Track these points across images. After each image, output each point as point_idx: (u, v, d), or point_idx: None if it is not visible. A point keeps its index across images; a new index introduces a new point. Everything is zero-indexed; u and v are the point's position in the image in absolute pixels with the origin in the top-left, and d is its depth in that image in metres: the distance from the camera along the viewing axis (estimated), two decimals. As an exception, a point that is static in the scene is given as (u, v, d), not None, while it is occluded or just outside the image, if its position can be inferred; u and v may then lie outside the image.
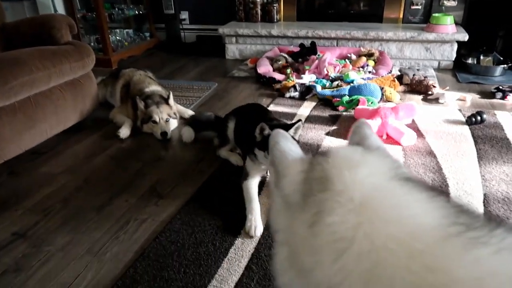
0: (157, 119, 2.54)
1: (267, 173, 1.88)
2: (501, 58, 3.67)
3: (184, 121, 2.70)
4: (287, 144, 0.82)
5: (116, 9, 4.63)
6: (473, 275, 0.45)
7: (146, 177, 2.12)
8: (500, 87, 3.09)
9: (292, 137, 1.78)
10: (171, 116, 2.62)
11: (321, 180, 0.64)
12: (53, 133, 2.44)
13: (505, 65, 3.55)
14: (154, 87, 2.77)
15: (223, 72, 4.04)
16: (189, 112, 2.86)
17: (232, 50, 4.45)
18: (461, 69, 3.71)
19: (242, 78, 3.75)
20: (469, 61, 3.73)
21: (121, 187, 2.04)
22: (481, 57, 3.71)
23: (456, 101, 2.99)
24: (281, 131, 0.81)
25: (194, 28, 5.18)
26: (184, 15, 5.15)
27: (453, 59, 3.81)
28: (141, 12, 4.97)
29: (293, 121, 1.83)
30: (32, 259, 1.55)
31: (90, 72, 2.74)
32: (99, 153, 2.42)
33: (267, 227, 1.66)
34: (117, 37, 4.66)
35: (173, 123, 2.66)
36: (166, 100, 2.66)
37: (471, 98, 3.03)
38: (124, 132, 2.58)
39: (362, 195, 0.58)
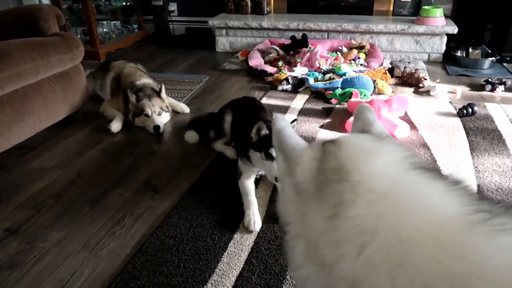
0: (149, 113, 2.50)
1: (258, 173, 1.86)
2: (489, 51, 3.71)
3: (186, 125, 2.58)
4: (293, 131, 0.81)
5: (103, 0, 4.53)
6: (502, 263, 0.44)
7: (140, 171, 2.09)
8: (489, 80, 3.13)
9: None
10: (163, 109, 2.58)
11: (336, 171, 0.63)
12: (42, 127, 2.39)
13: (493, 58, 3.60)
14: (145, 80, 2.73)
15: (213, 65, 3.99)
16: (181, 106, 2.83)
17: (223, 42, 4.40)
18: (450, 62, 3.74)
19: (233, 71, 3.71)
20: (458, 54, 3.77)
21: (115, 181, 2.00)
22: (470, 50, 3.75)
23: (447, 94, 3.02)
24: (283, 116, 0.80)
25: (183, 20, 5.11)
26: (173, 6, 5.07)
27: (443, 52, 3.84)
28: (128, 3, 4.87)
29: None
30: (26, 256, 1.52)
31: (79, 64, 2.68)
32: (91, 147, 2.37)
33: (265, 221, 1.65)
34: (104, 29, 4.57)
35: (166, 117, 2.62)
36: (158, 93, 2.62)
37: (461, 90, 3.06)
38: (116, 125, 2.54)
39: (382, 186, 0.57)
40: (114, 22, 4.82)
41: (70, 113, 2.63)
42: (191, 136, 2.39)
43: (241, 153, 1.86)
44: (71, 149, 2.37)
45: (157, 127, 2.46)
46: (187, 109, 2.81)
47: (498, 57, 3.62)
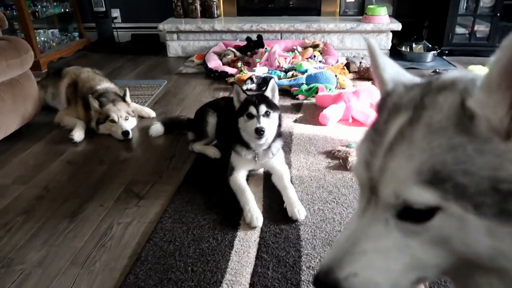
0: (116, 118, 2.34)
1: (255, 161, 1.81)
2: (430, 45, 3.99)
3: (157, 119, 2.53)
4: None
5: (39, 6, 4.19)
6: None
7: (115, 180, 1.93)
8: (437, 70, 3.36)
9: (271, 100, 1.76)
10: (129, 114, 2.43)
11: None
12: (-7, 141, 2.13)
13: (435, 52, 3.87)
14: (106, 84, 2.55)
15: (167, 69, 3.87)
16: (146, 110, 2.68)
17: (174, 47, 4.28)
18: (396, 57, 3.96)
19: (191, 75, 3.62)
20: (403, 49, 4.00)
21: (89, 191, 1.83)
22: (414, 45, 4.00)
23: (402, 85, 3.18)
24: None
25: (128, 26, 4.90)
26: (116, 13, 4.85)
27: (389, 48, 4.06)
28: (67, 10, 4.56)
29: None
30: (5, 282, 1.32)
31: (29, 71, 2.45)
32: (53, 159, 2.15)
33: (265, 216, 1.60)
34: (42, 38, 4.23)
35: (132, 122, 2.47)
36: (122, 98, 2.46)
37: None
38: (78, 134, 2.34)
39: None
40: (51, 30, 4.47)
41: (21, 125, 2.38)
42: (156, 128, 2.36)
43: (234, 144, 1.81)
44: (29, 163, 2.13)
45: (126, 133, 2.30)
46: (153, 114, 2.67)
47: (438, 51, 3.90)
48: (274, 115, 1.75)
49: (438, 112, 0.48)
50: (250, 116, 1.72)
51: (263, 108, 1.71)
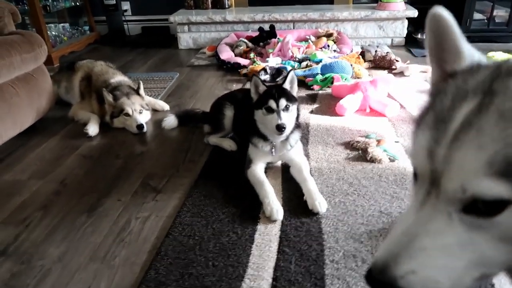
0: (130, 112, 2.32)
1: (272, 153, 1.77)
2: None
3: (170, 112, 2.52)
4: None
5: (50, 0, 4.18)
6: None
7: (132, 174, 1.92)
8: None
9: (290, 92, 1.72)
10: (143, 107, 2.40)
11: None
12: (9, 136, 2.14)
13: (452, 38, 3.76)
14: (120, 78, 2.53)
15: (179, 62, 3.84)
16: (159, 103, 2.66)
17: (185, 39, 4.24)
18: (413, 45, 3.87)
19: (203, 67, 3.58)
20: (419, 36, 3.90)
21: (107, 186, 1.82)
22: (425, 44, 3.89)
23: (420, 73, 3.10)
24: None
25: (138, 19, 4.88)
26: (126, 5, 4.82)
27: (405, 36, 3.97)
28: (77, 3, 4.55)
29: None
30: (25, 278, 1.31)
31: (42, 65, 2.44)
32: (69, 153, 2.15)
33: (285, 209, 1.56)
34: (53, 32, 4.23)
35: (147, 115, 2.44)
36: (136, 91, 2.43)
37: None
38: (93, 129, 2.32)
39: None
40: (62, 24, 4.47)
41: (36, 120, 2.37)
42: (171, 121, 2.33)
43: (251, 136, 1.77)
44: (45, 158, 2.13)
45: (140, 126, 2.28)
46: (166, 106, 2.65)
47: (455, 38, 3.79)
48: (293, 108, 1.71)
49: (510, 98, 0.44)
50: (270, 110, 1.67)
51: (283, 102, 1.66)
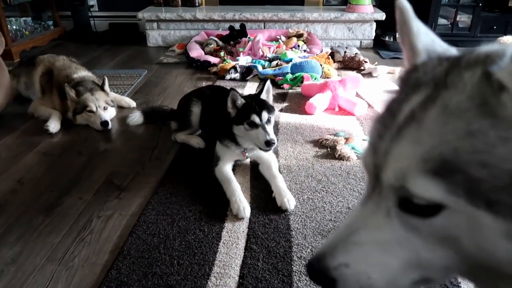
0: (94, 108, 2.23)
1: (246, 155, 1.75)
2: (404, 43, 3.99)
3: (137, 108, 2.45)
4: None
5: (11, -8, 3.99)
6: None
7: (95, 171, 1.84)
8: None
9: (268, 103, 1.69)
10: (108, 103, 2.32)
11: None
12: (-39, 133, 2.00)
13: (418, 42, 3.87)
14: (83, 73, 2.43)
15: (148, 59, 3.75)
16: (126, 100, 2.58)
17: (154, 36, 4.15)
18: (380, 47, 3.96)
19: (172, 64, 3.51)
20: (387, 39, 3.99)
21: (67, 184, 1.73)
22: (397, 35, 3.98)
23: (387, 74, 3.17)
24: None
25: (105, 15, 4.74)
26: (92, 1, 4.68)
27: (373, 38, 4.05)
28: (41, -3, 4.37)
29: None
30: (-26, 280, 1.22)
31: (0, 58, 2.31)
32: (27, 151, 2.04)
33: (253, 206, 1.54)
34: (14, 26, 4.04)
35: (112, 112, 2.36)
36: (100, 87, 2.35)
37: (399, 70, 3.24)
38: (54, 125, 2.22)
39: None
40: (24, 18, 4.28)
41: (-8, 116, 2.25)
42: (136, 117, 2.26)
43: (222, 137, 1.73)
44: (1, 155, 2.01)
45: (105, 123, 2.20)
46: (133, 103, 2.57)
47: (421, 41, 3.90)
48: (273, 119, 1.69)
49: (460, 91, 0.41)
50: (253, 125, 1.61)
51: (265, 115, 1.62)
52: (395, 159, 0.43)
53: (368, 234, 0.46)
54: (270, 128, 1.63)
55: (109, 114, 2.31)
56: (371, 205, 0.47)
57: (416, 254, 0.44)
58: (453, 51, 0.52)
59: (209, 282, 1.19)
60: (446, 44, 0.55)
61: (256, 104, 1.63)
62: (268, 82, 1.73)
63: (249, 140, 1.66)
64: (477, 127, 0.38)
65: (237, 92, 1.66)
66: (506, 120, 0.38)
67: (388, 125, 0.45)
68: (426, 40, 0.52)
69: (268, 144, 1.58)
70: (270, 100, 1.74)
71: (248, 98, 1.70)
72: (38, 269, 1.26)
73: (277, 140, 2.04)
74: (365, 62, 3.25)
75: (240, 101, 1.65)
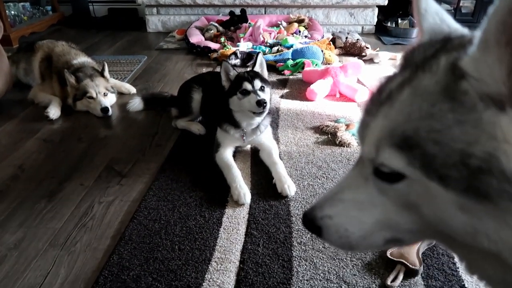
0: (94, 94, 2.22)
1: (244, 140, 1.74)
2: (415, 21, 3.94)
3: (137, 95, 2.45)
4: None
5: (8, -23, 3.94)
6: None
7: (96, 158, 1.84)
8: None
9: (259, 73, 1.69)
10: (108, 90, 2.31)
11: None
12: (-39, 119, 2.00)
13: (420, 27, 3.83)
14: (83, 59, 2.42)
15: (147, 45, 3.72)
16: (126, 86, 2.56)
17: (154, 22, 4.11)
18: (382, 33, 3.91)
19: (172, 50, 3.49)
20: (389, 24, 3.95)
21: (68, 170, 1.74)
22: (399, 21, 3.95)
23: (388, 60, 3.14)
24: None
25: (104, 0, 4.68)
26: (91, -14, 4.61)
27: (375, 23, 4.00)
28: (38, -18, 4.31)
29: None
30: (-22, 265, 1.24)
31: (-2, 43, 2.29)
32: (28, 137, 2.04)
33: (253, 192, 1.55)
34: (12, 12, 4.00)
35: (112, 98, 2.35)
36: (100, 73, 2.33)
37: (400, 56, 3.20)
38: (54, 111, 2.21)
39: None
40: (22, 3, 4.23)
41: (-8, 102, 2.24)
42: (136, 103, 2.26)
43: (221, 122, 1.73)
44: (1, 142, 2.02)
45: (105, 109, 2.19)
46: (133, 90, 2.56)
47: (423, 27, 3.86)
48: (268, 90, 1.68)
49: (432, 75, 0.44)
50: (245, 93, 1.61)
51: (258, 83, 1.62)
52: (371, 132, 0.48)
53: (350, 193, 0.54)
54: (263, 94, 1.62)
55: (109, 100, 2.30)
56: (356, 170, 0.55)
57: (387, 216, 0.51)
58: (461, 31, 0.53)
59: (209, 267, 1.21)
60: (457, 24, 0.56)
61: (248, 74, 1.65)
62: (261, 55, 1.74)
63: (244, 112, 1.65)
64: (438, 110, 0.42)
65: (229, 63, 1.69)
66: (464, 105, 0.41)
67: (374, 102, 0.50)
68: (433, 20, 0.55)
69: (259, 104, 1.56)
70: (265, 74, 1.74)
71: (243, 71, 1.71)
72: (41, 254, 1.28)
73: (278, 126, 2.05)
74: (367, 48, 3.22)
75: (233, 73, 1.67)
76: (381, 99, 0.49)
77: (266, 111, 1.63)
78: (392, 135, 0.45)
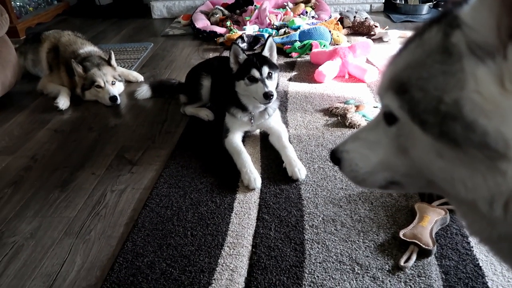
0: (102, 83, 2.22)
1: (252, 123, 1.74)
2: (425, -3, 3.85)
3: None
4: None
5: (12, -32, 3.91)
6: None
7: (106, 146, 1.86)
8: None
9: (270, 60, 1.67)
10: (116, 78, 2.31)
11: None
12: (-27, 112, 2.02)
13: (430, 3, 3.73)
14: (89, 48, 2.41)
15: (153, 32, 3.70)
16: (133, 74, 2.56)
17: (159, 8, 4.08)
18: (391, 10, 3.83)
19: (178, 36, 3.46)
20: (398, 1, 3.85)
21: (80, 160, 1.76)
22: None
23: (398, 39, 3.08)
24: None
25: (108, -12, 4.64)
26: (95, -27, 4.58)
27: (383, 1, 3.91)
28: (42, -29, 4.29)
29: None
30: (-4, 255, 1.26)
31: (5, 36, 2.30)
32: (39, 128, 2.06)
33: (264, 177, 1.54)
34: (18, 3, 3.99)
35: (120, 86, 2.35)
36: (107, 62, 2.33)
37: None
38: (63, 102, 2.23)
39: None
40: (27, -6, 4.22)
41: (2, 94, 2.26)
42: (144, 91, 2.26)
43: (229, 106, 1.72)
44: (13, 133, 2.04)
45: (114, 98, 2.20)
46: (140, 77, 2.55)
47: (434, 3, 3.76)
48: (275, 75, 1.66)
49: (437, 30, 0.47)
50: (253, 80, 1.61)
51: (265, 70, 1.61)
52: (384, 77, 0.53)
53: (365, 133, 0.61)
54: (270, 83, 1.62)
55: (117, 89, 2.31)
56: (378, 115, 0.59)
57: (387, 157, 0.56)
58: None
59: (222, 252, 1.22)
60: None
61: (257, 59, 1.63)
62: (271, 39, 1.72)
63: (250, 98, 1.65)
64: (430, 60, 0.46)
65: (239, 46, 1.67)
66: (452, 57, 0.44)
67: (397, 52, 0.54)
68: None
69: (266, 96, 1.57)
70: (274, 58, 1.72)
71: (252, 55, 1.68)
72: (57, 243, 1.30)
73: (287, 110, 2.04)
74: (376, 27, 3.16)
75: (242, 56, 1.66)
76: (400, 49, 0.53)
77: (273, 100, 1.62)
78: (393, 80, 0.50)
